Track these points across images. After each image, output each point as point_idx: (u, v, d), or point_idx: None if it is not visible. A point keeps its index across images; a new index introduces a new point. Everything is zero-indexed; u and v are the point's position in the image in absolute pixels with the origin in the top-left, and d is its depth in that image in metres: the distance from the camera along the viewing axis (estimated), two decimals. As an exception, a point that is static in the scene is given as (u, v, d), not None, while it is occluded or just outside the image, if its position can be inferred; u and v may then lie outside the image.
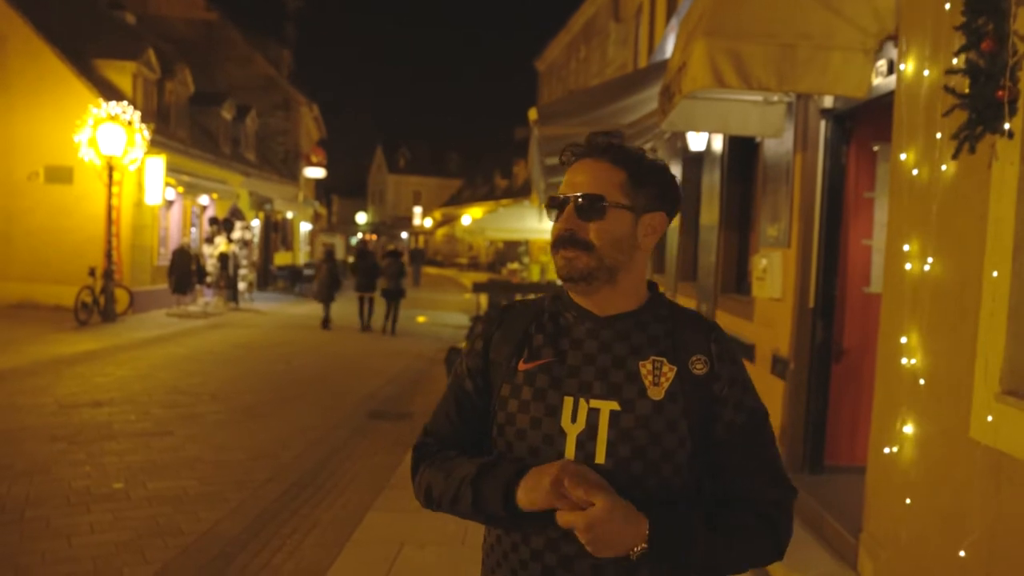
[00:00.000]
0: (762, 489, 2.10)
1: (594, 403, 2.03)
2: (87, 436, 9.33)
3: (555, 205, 2.12)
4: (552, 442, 2.02)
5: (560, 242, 2.08)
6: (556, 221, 2.10)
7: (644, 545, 1.89)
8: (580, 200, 2.05)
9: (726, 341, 2.16)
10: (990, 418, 3.89)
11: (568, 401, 2.04)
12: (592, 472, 1.92)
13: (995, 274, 3.90)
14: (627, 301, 2.13)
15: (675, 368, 2.07)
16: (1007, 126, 3.70)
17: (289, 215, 43.10)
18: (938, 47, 4.43)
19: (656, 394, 2.03)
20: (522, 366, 2.12)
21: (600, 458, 1.99)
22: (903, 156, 4.84)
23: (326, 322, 22.36)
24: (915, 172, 4.67)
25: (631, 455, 1.99)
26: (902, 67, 4.89)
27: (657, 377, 2.05)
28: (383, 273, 22.38)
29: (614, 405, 2.02)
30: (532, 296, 2.25)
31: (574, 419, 2.02)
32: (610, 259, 2.06)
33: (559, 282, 2.15)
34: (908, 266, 4.71)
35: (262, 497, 7.50)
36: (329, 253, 24.13)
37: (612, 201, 2.06)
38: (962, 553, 4.06)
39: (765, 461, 2.13)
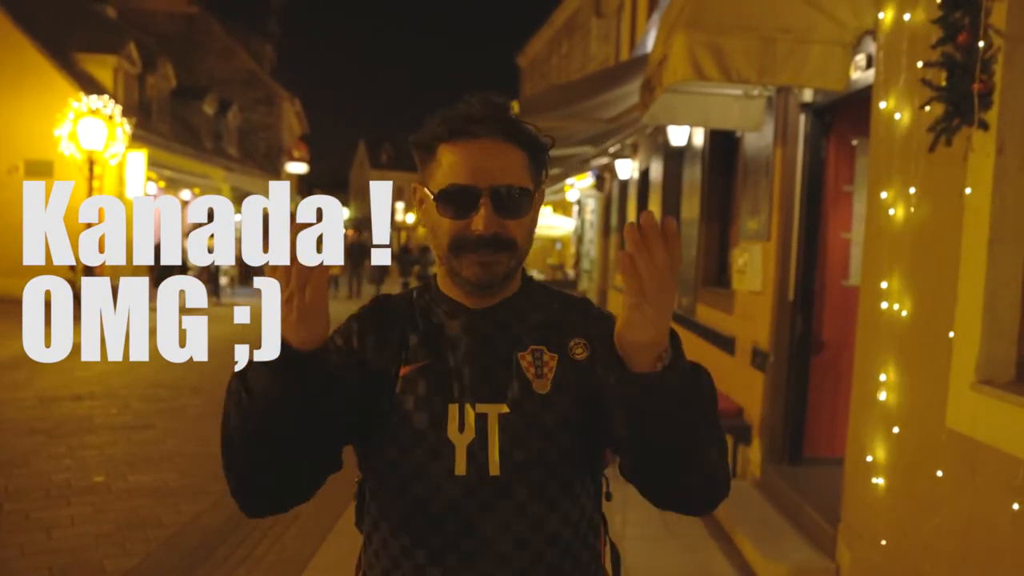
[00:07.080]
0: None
1: (480, 407, 1.79)
2: (67, 429, 9.28)
3: (457, 196, 1.76)
4: (439, 456, 1.78)
5: (479, 244, 1.75)
6: (458, 218, 1.77)
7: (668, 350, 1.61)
8: (504, 194, 1.75)
9: (603, 318, 1.92)
10: (966, 407, 3.93)
11: (454, 408, 1.79)
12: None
13: (971, 265, 3.94)
14: (507, 290, 1.89)
15: (556, 356, 1.84)
16: (981, 118, 3.75)
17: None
18: None
19: (542, 387, 1.80)
20: (402, 371, 1.84)
21: (495, 469, 1.76)
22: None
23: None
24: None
25: (528, 461, 1.78)
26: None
27: (540, 368, 1.82)
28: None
29: (502, 407, 1.79)
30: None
31: (462, 428, 1.78)
32: (524, 254, 1.83)
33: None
34: (886, 257, 4.76)
35: (243, 490, 7.48)
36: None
37: (530, 191, 1.80)
38: (937, 541, 4.11)
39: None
